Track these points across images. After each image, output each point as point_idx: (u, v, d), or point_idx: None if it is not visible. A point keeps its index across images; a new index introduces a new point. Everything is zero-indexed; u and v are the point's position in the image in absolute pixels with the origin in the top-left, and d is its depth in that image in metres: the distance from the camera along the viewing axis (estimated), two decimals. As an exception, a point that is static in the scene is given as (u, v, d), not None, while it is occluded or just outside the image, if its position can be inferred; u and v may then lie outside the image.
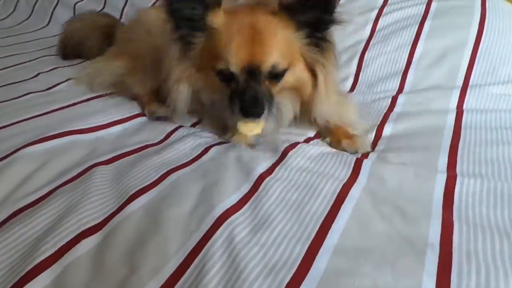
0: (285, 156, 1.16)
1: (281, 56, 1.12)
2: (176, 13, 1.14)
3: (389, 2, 1.95)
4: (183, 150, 1.22)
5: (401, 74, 1.67)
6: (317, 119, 1.32)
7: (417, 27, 1.77)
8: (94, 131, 1.34)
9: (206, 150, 1.22)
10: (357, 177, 1.07)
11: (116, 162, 1.16)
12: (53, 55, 2.17)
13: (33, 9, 2.90)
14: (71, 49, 2.07)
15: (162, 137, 1.33)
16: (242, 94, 1.09)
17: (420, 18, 1.80)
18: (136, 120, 1.46)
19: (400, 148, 1.23)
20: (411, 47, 1.71)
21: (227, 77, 1.13)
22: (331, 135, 1.35)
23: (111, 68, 1.63)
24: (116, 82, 1.61)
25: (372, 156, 1.20)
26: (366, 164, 1.13)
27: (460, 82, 1.61)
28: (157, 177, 1.06)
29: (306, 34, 1.16)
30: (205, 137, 1.32)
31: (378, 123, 1.43)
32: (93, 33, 2.05)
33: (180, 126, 1.41)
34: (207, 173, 1.09)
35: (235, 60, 1.09)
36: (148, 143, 1.28)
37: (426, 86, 1.63)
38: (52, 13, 2.83)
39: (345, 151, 1.26)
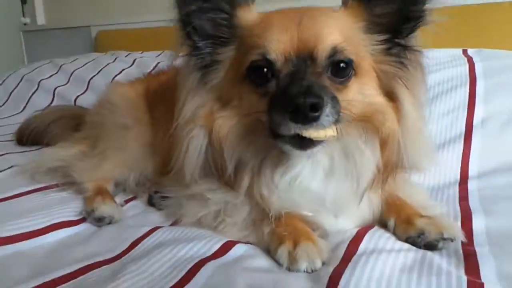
0: (337, 283, 0.64)
1: (345, 40, 0.78)
2: (194, 22, 0.85)
3: (420, 65, 1.63)
4: (151, 272, 0.70)
5: (462, 144, 1.24)
6: (405, 164, 0.88)
7: (468, 88, 1.39)
8: (19, 240, 0.85)
9: (193, 271, 0.70)
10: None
11: (25, 303, 0.63)
12: (11, 140, 1.75)
13: (9, 96, 2.59)
14: (29, 135, 1.67)
15: (123, 247, 0.82)
16: (287, 88, 0.72)
17: (468, 78, 1.45)
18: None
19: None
20: (467, 110, 1.31)
21: (262, 75, 0.79)
22: (396, 213, 0.87)
23: (63, 154, 1.21)
24: (60, 170, 1.16)
25: (488, 271, 0.68)
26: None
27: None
28: None
29: (381, 39, 0.83)
30: (194, 242, 0.80)
31: (458, 213, 0.94)
32: (60, 121, 1.69)
33: (156, 228, 0.90)
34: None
35: (275, 43, 0.77)
36: (97, 260, 0.77)
37: (502, 159, 1.18)
38: (29, 99, 2.52)
39: (422, 235, 0.79)
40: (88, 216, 0.96)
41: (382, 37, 0.82)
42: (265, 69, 0.78)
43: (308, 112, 0.68)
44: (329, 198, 0.82)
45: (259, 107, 0.78)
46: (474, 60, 1.56)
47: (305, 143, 0.73)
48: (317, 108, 0.68)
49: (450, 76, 1.49)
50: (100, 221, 0.95)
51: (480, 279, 0.66)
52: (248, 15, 0.86)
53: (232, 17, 0.85)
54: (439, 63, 1.60)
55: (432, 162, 0.97)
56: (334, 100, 0.73)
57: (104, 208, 0.96)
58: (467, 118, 1.30)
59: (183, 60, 0.91)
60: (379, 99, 0.83)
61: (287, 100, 0.69)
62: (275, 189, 0.82)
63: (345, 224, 0.87)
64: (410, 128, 0.83)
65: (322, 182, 0.83)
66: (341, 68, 0.78)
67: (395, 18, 0.82)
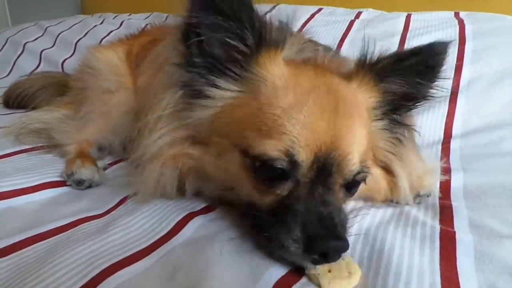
0: None
1: (366, 151, 0.68)
2: (202, 35, 0.66)
3: (410, 27, 1.62)
4: (140, 225, 0.72)
5: (447, 104, 1.25)
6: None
7: (456, 49, 1.39)
8: (11, 196, 0.86)
9: (182, 223, 0.73)
10: (454, 263, 0.58)
11: (18, 253, 0.65)
12: (-1, 103, 1.73)
13: (-6, 59, 2.53)
14: (16, 98, 1.64)
15: (112, 204, 0.84)
16: (310, 212, 0.59)
17: (457, 40, 1.44)
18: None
19: (496, 209, 0.76)
20: (455, 71, 1.32)
21: (274, 174, 0.61)
22: None
23: (47, 117, 1.18)
24: (44, 132, 1.15)
25: (460, 222, 0.72)
26: (463, 240, 0.64)
27: (531, 112, 1.19)
28: (82, 283, 0.56)
29: (381, 113, 0.75)
30: (182, 200, 0.82)
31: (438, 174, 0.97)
32: (49, 88, 1.65)
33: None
34: (177, 271, 0.58)
35: (307, 136, 0.60)
36: (87, 215, 0.79)
37: (484, 120, 1.21)
38: (15, 62, 2.46)
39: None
40: (67, 179, 0.95)
41: (383, 113, 0.75)
42: (282, 170, 0.60)
43: (334, 257, 0.57)
44: None
45: (252, 197, 0.65)
46: (465, 22, 1.56)
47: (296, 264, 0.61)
48: (345, 249, 0.57)
49: (440, 38, 1.47)
50: (79, 184, 0.94)
51: (453, 228, 0.69)
52: (272, 66, 0.67)
53: (251, 56, 0.67)
54: (431, 25, 1.60)
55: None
56: (345, 219, 0.63)
57: (84, 171, 0.95)
58: (453, 79, 1.31)
59: (170, 67, 0.72)
60: (378, 178, 0.79)
61: (312, 240, 0.56)
62: None
63: None
64: (404, 195, 0.80)
65: None
66: (358, 183, 0.68)
67: (400, 96, 0.76)
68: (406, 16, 1.71)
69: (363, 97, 0.72)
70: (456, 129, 1.21)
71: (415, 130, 0.82)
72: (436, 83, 0.76)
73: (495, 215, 0.73)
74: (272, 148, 0.59)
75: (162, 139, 0.72)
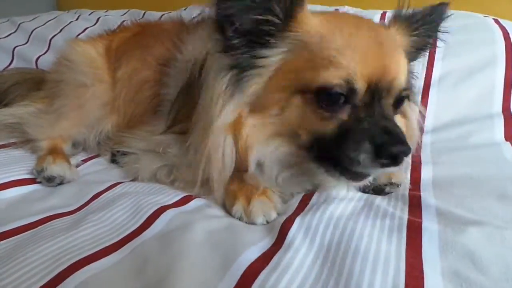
0: (288, 230, 0.68)
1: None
2: (236, 23, 0.72)
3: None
4: (111, 220, 0.72)
5: (419, 99, 1.29)
6: None
7: (428, 46, 1.43)
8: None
9: (154, 217, 0.72)
10: (420, 251, 0.60)
11: (-19, 251, 0.63)
12: (-33, 102, 1.67)
13: (-36, 56, 2.44)
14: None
15: (84, 200, 0.83)
16: (374, 125, 0.69)
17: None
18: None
19: (462, 199, 0.78)
20: (427, 68, 1.35)
21: (335, 99, 0.71)
22: None
23: (20, 111, 1.16)
24: (17, 127, 1.12)
25: (428, 212, 0.74)
26: (429, 228, 0.66)
27: (498, 107, 1.24)
28: (46, 280, 0.55)
29: None
30: (155, 194, 0.82)
31: (409, 165, 0.99)
32: (23, 84, 1.60)
33: (117, 183, 0.91)
34: (146, 264, 0.58)
35: (363, 68, 0.69)
36: (58, 212, 0.78)
37: (454, 115, 1.24)
38: (-14, 58, 2.37)
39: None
40: (38, 175, 0.93)
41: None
42: (342, 95, 0.70)
43: (401, 160, 0.66)
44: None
45: (317, 128, 0.73)
46: (438, 21, 1.60)
47: (361, 175, 0.74)
48: (406, 155, 0.67)
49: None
50: (50, 181, 0.92)
51: (420, 218, 0.71)
52: (307, 18, 0.74)
53: (286, 20, 0.73)
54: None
55: None
56: None
57: (54, 168, 0.93)
58: (425, 76, 1.34)
59: (213, 57, 0.78)
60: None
61: (381, 147, 0.66)
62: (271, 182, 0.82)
63: None
64: (416, 135, 0.93)
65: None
66: (404, 100, 0.79)
67: (414, 46, 0.88)
68: (382, 14, 1.73)
69: (400, 40, 0.84)
70: (427, 124, 1.24)
71: (415, 77, 0.97)
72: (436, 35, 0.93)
73: (460, 204, 0.75)
74: (333, 77, 0.68)
75: (222, 113, 0.76)
